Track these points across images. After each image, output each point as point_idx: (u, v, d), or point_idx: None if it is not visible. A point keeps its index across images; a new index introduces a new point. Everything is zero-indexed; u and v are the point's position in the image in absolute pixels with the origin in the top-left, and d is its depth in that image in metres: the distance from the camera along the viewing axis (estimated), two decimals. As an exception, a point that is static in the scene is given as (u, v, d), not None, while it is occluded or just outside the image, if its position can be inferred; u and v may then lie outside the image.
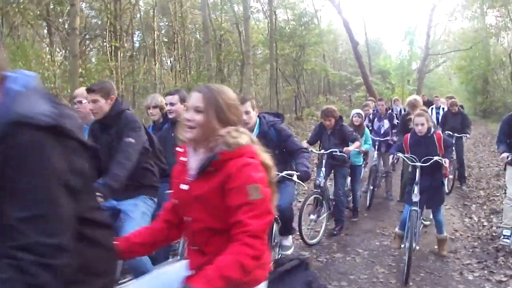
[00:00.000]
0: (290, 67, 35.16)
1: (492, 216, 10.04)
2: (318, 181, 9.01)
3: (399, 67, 46.59)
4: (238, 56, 31.65)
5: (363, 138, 10.33)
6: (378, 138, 12.09)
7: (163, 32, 36.24)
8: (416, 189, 7.26)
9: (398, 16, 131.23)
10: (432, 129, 7.61)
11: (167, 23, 35.56)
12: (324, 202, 9.02)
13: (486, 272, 7.04)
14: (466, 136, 12.99)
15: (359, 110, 11.35)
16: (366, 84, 33.52)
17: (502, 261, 7.39)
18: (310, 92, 46.48)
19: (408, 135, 7.82)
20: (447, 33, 53.76)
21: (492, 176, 14.99)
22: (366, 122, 12.04)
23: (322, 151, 9.36)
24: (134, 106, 26.58)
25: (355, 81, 42.93)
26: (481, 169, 16.77)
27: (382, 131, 12.38)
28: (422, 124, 7.39)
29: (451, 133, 12.43)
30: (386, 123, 12.50)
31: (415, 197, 7.21)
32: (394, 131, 12.16)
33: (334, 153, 8.97)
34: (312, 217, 8.83)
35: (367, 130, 11.06)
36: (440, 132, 8.64)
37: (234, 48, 32.00)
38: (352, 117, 10.93)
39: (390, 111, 14.11)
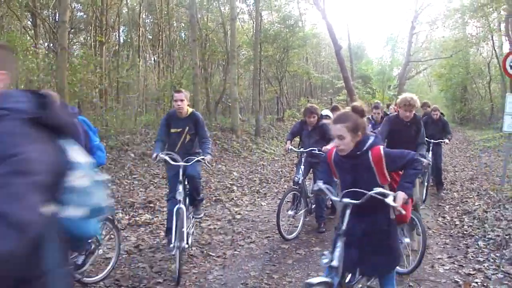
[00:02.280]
0: (273, 68, 35.39)
1: (464, 216, 10.42)
2: (296, 178, 9.27)
3: (380, 73, 47.14)
4: (222, 56, 31.84)
5: None
6: None
7: (148, 29, 36.34)
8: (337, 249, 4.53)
9: (381, 23, 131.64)
10: (368, 143, 4.56)
11: (152, 20, 35.65)
12: (302, 199, 9.36)
13: (456, 265, 7.42)
14: (445, 141, 12.82)
15: (327, 112, 11.41)
16: (347, 88, 33.80)
17: (472, 256, 7.78)
18: (292, 94, 46.80)
19: (334, 149, 4.94)
20: (429, 41, 54.31)
21: (466, 180, 15.44)
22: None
23: (302, 149, 9.69)
24: (118, 101, 26.72)
25: (336, 84, 43.35)
26: (456, 173, 17.23)
27: None
28: (340, 137, 4.50)
29: (428, 139, 11.52)
30: None
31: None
32: None
33: (313, 151, 9.21)
34: (290, 213, 9.25)
35: None
36: (383, 147, 4.77)
37: (219, 48, 32.18)
38: (322, 118, 10.56)
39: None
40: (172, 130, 8.21)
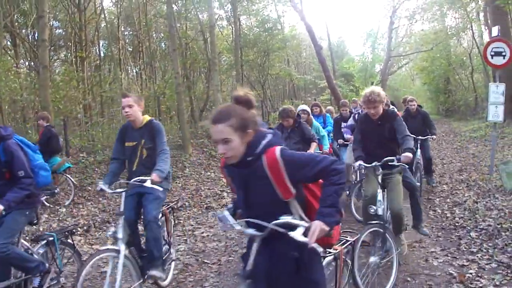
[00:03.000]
0: (255, 72, 35.43)
1: (455, 208, 10.45)
2: None
3: (362, 70, 47.34)
4: (204, 63, 31.83)
5: (312, 130, 10.06)
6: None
7: (128, 41, 36.32)
8: None
9: (360, 20, 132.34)
10: (262, 144, 3.41)
11: (132, 32, 35.64)
12: None
13: (449, 258, 7.44)
14: (432, 137, 12.39)
15: (305, 107, 11.41)
16: (330, 87, 33.91)
17: (465, 248, 7.81)
18: (276, 97, 46.87)
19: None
20: (409, 35, 54.44)
21: (454, 172, 15.48)
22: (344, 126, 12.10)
23: None
24: (103, 116, 26.67)
25: (319, 84, 43.49)
26: (445, 165, 17.28)
27: None
28: (225, 141, 3.33)
29: (414, 136, 10.67)
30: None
31: None
32: None
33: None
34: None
35: (315, 123, 11.07)
36: (280, 148, 3.57)
37: (200, 56, 32.17)
38: (299, 113, 10.41)
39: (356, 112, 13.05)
40: (126, 144, 6.79)
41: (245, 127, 3.33)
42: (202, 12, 32.04)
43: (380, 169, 6.84)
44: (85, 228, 10.67)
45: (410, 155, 6.56)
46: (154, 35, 35.44)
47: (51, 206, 12.55)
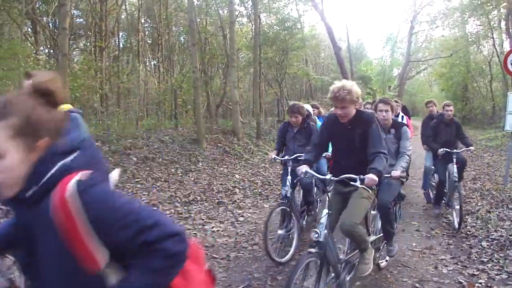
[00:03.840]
0: (273, 70, 35.38)
1: (467, 217, 10.38)
2: (284, 192, 8.08)
3: (380, 73, 47.21)
4: (222, 59, 31.85)
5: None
6: None
7: (147, 33, 36.42)
8: None
9: (380, 23, 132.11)
10: (51, 170, 2.00)
11: (151, 25, 35.72)
12: (292, 214, 8.11)
13: (459, 266, 7.39)
14: (470, 149, 10.65)
15: (307, 106, 10.33)
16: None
17: (475, 257, 7.75)
18: (292, 96, 46.82)
19: None
20: (429, 41, 54.23)
21: (468, 180, 15.37)
22: None
23: (286, 157, 8.65)
24: (119, 106, 26.78)
25: (336, 86, 43.31)
26: (459, 173, 17.17)
27: None
28: None
29: (448, 150, 10.19)
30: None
31: None
32: None
33: (299, 158, 7.80)
34: (280, 232, 8.09)
35: (319, 124, 10.08)
36: (79, 182, 2.00)
37: (219, 51, 32.22)
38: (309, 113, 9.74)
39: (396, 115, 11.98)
40: None
41: (33, 132, 2.00)
42: (222, 8, 32.05)
43: (334, 185, 6.17)
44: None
45: (375, 178, 5.29)
46: (173, 28, 35.50)
47: None
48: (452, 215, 10.06)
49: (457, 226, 9.39)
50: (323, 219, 5.39)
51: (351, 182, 5.41)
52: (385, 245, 7.27)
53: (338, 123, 6.01)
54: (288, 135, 8.99)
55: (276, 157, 8.80)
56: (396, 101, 12.67)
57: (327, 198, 5.70)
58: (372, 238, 6.80)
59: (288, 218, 8.13)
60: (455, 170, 10.06)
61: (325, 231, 5.29)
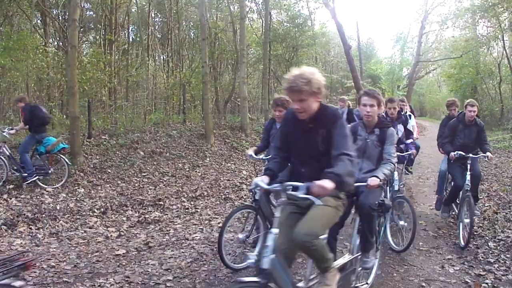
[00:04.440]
0: (282, 67, 35.37)
1: (474, 217, 10.36)
2: (254, 193, 7.26)
3: (389, 73, 47.15)
4: (232, 55, 31.86)
5: None
6: None
7: (157, 28, 36.46)
8: None
9: (390, 22, 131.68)
10: None
11: (161, 19, 35.76)
12: (260, 218, 7.29)
13: (466, 266, 7.36)
14: (488, 156, 9.45)
15: None
16: (356, 87, 33.74)
17: (482, 257, 7.73)
18: (301, 94, 46.72)
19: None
20: (439, 41, 54.13)
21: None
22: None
23: (262, 155, 8.39)
24: (127, 100, 26.81)
25: (345, 84, 43.34)
26: (466, 174, 17.11)
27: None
28: None
29: (462, 153, 9.14)
30: (400, 129, 9.45)
31: None
32: (410, 139, 9.97)
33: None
34: (241, 236, 7.44)
35: None
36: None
37: (229, 47, 32.23)
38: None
39: (404, 113, 11.59)
40: None
41: None
42: (233, 3, 32.03)
43: (286, 196, 4.37)
44: (102, 210, 10.71)
45: (327, 185, 4.05)
46: (183, 23, 35.50)
47: (44, 186, 12.54)
48: (459, 229, 8.63)
49: (463, 243, 8.22)
50: (270, 241, 4.14)
51: (293, 193, 4.20)
52: (360, 258, 6.00)
53: (296, 121, 4.81)
54: (272, 132, 8.22)
55: (252, 154, 8.21)
56: (402, 100, 13.03)
57: (276, 214, 4.44)
58: (347, 258, 5.67)
59: (254, 222, 7.39)
60: (468, 178, 8.91)
61: (273, 256, 4.09)
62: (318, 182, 4.04)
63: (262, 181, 4.57)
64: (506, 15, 36.72)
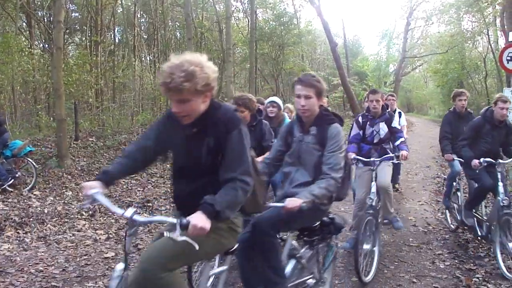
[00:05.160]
0: (269, 66, 35.39)
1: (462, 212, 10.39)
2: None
3: (376, 69, 47.17)
4: (218, 54, 31.84)
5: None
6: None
7: (143, 28, 36.41)
8: None
9: (376, 19, 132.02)
10: None
11: (147, 20, 35.70)
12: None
13: (456, 261, 7.35)
14: None
15: (275, 98, 8.77)
16: (343, 85, 33.82)
17: (472, 252, 7.77)
18: (288, 92, 46.82)
19: None
20: (424, 37, 54.31)
21: (464, 175, 15.35)
22: (354, 130, 8.08)
23: None
24: (114, 101, 26.75)
25: (332, 81, 43.28)
26: (454, 168, 17.16)
27: (376, 140, 7.91)
28: None
29: (492, 161, 7.49)
30: (383, 128, 7.89)
31: None
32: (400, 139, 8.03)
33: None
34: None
35: (287, 121, 8.04)
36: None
37: (215, 47, 32.22)
38: (266, 107, 8.46)
39: (393, 110, 10.51)
40: None
41: None
42: (218, 3, 32.01)
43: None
44: (90, 213, 10.64)
45: (202, 224, 3.13)
46: (169, 23, 35.47)
47: (12, 191, 12.22)
48: (496, 253, 6.94)
49: (509, 274, 6.59)
50: (113, 282, 3.37)
51: (165, 233, 3.21)
52: None
53: (177, 126, 3.63)
54: None
55: None
56: (391, 95, 12.27)
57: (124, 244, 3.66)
58: None
59: None
60: (501, 189, 7.27)
61: None
62: (193, 221, 3.10)
63: (98, 192, 3.45)
64: (490, 10, 36.87)
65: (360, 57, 55.32)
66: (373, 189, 7.30)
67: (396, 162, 8.11)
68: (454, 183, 9.43)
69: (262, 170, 4.44)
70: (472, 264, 7.16)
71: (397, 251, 7.82)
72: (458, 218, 8.67)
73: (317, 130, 4.80)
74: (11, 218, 9.76)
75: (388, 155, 7.67)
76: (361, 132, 7.97)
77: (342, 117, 5.11)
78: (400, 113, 11.66)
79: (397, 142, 7.98)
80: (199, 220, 3.16)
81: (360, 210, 7.47)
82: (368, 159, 7.52)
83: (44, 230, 9.21)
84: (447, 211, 9.46)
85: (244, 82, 40.57)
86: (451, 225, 9.16)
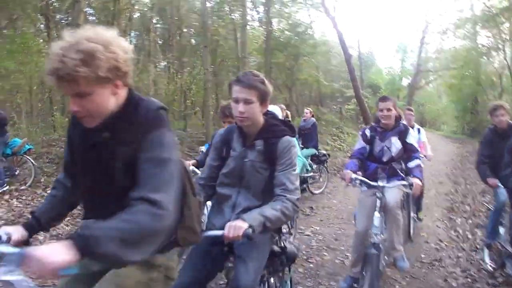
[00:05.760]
0: (283, 76, 35.39)
1: (476, 230, 10.33)
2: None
3: (390, 82, 47.18)
4: (233, 62, 31.91)
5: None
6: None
7: (158, 34, 36.53)
8: None
9: (391, 32, 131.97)
10: None
11: (163, 25, 35.83)
12: None
13: (469, 280, 7.32)
14: None
15: (271, 107, 5.79)
16: (357, 97, 33.80)
17: (485, 271, 7.66)
18: (300, 102, 46.81)
19: None
20: (439, 51, 54.22)
21: (477, 193, 15.31)
22: (359, 143, 6.81)
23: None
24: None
25: (346, 93, 43.26)
26: (468, 186, 17.09)
27: (386, 158, 6.62)
28: None
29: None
30: (395, 143, 6.59)
31: None
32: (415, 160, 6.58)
33: None
34: None
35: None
36: None
37: (230, 54, 32.31)
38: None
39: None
40: None
41: None
42: (234, 12, 32.10)
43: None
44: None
45: (43, 259, 2.05)
46: (185, 30, 35.58)
47: (12, 188, 12.33)
48: None
49: None
50: None
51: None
52: None
53: (82, 131, 2.70)
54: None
55: (195, 169, 6.85)
56: (409, 109, 11.00)
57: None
58: None
59: None
60: None
61: None
62: (33, 253, 2.09)
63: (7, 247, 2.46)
64: (507, 26, 36.78)
65: (374, 69, 55.36)
66: (377, 222, 5.95)
67: (407, 191, 6.41)
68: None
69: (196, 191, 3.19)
70: (485, 284, 7.12)
71: (409, 267, 7.78)
72: (499, 260, 7.36)
73: (264, 145, 3.83)
74: (25, 215, 9.80)
75: (399, 176, 6.46)
76: (367, 147, 6.67)
77: (293, 127, 4.10)
78: (419, 129, 10.54)
79: (411, 164, 6.48)
80: (46, 252, 2.05)
81: (361, 243, 6.22)
82: (374, 183, 6.16)
83: (57, 229, 9.21)
84: (485, 249, 7.90)
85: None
86: (489, 267, 7.61)
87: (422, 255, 8.45)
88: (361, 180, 6.19)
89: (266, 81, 3.85)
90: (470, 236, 9.95)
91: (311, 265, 7.78)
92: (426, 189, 15.28)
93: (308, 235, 9.59)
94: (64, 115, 21.77)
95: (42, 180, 12.99)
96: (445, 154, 25.82)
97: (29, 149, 13.45)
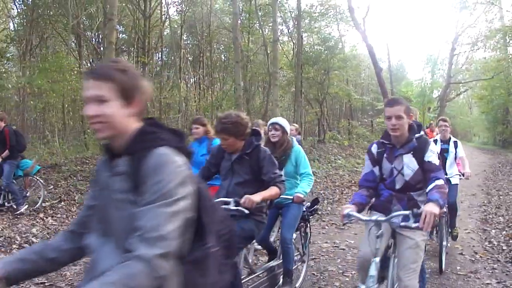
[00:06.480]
0: (314, 90, 35.47)
1: (511, 241, 10.30)
2: None
3: (420, 95, 46.87)
4: (263, 77, 32.09)
5: (289, 164, 6.54)
6: None
7: (189, 50, 36.86)
8: None
9: (421, 44, 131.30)
10: None
11: (193, 42, 36.16)
12: None
13: (505, 291, 7.31)
14: None
15: (279, 119, 6.70)
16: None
17: (521, 282, 7.68)
18: (331, 116, 46.80)
19: None
20: (469, 62, 53.91)
21: (511, 204, 15.23)
22: (367, 166, 5.22)
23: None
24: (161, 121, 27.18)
25: (376, 106, 43.19)
26: (501, 197, 16.95)
27: (399, 184, 4.96)
28: None
29: None
30: (409, 164, 4.94)
31: None
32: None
33: (226, 204, 4.76)
34: None
35: (296, 147, 6.66)
36: None
37: (261, 70, 32.47)
38: (268, 129, 6.66)
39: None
40: None
41: None
42: (264, 27, 32.29)
43: None
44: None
45: None
46: (215, 46, 35.87)
47: (24, 211, 11.92)
48: None
49: None
50: None
51: None
52: None
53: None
54: (223, 163, 5.32)
55: None
56: (443, 119, 9.95)
57: None
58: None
59: None
60: None
61: None
62: None
63: None
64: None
65: (404, 82, 55.16)
66: (373, 270, 4.36)
67: (416, 227, 4.19)
68: None
69: None
70: (521, 295, 7.11)
71: (445, 279, 7.77)
72: None
73: (129, 164, 2.27)
74: (48, 237, 9.99)
75: (405, 213, 4.42)
76: (376, 170, 5.01)
77: (181, 133, 2.44)
78: (456, 142, 9.65)
79: (429, 187, 4.46)
80: None
81: (362, 268, 4.73)
82: (367, 218, 4.67)
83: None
84: None
85: (288, 106, 40.68)
86: None
87: (458, 267, 8.44)
88: (355, 216, 4.50)
89: (133, 69, 2.37)
90: (504, 247, 9.90)
91: (347, 279, 7.81)
92: (458, 202, 15.29)
93: (343, 249, 9.60)
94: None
95: (76, 197, 13.19)
96: (477, 165, 25.66)
97: (38, 170, 13.13)
